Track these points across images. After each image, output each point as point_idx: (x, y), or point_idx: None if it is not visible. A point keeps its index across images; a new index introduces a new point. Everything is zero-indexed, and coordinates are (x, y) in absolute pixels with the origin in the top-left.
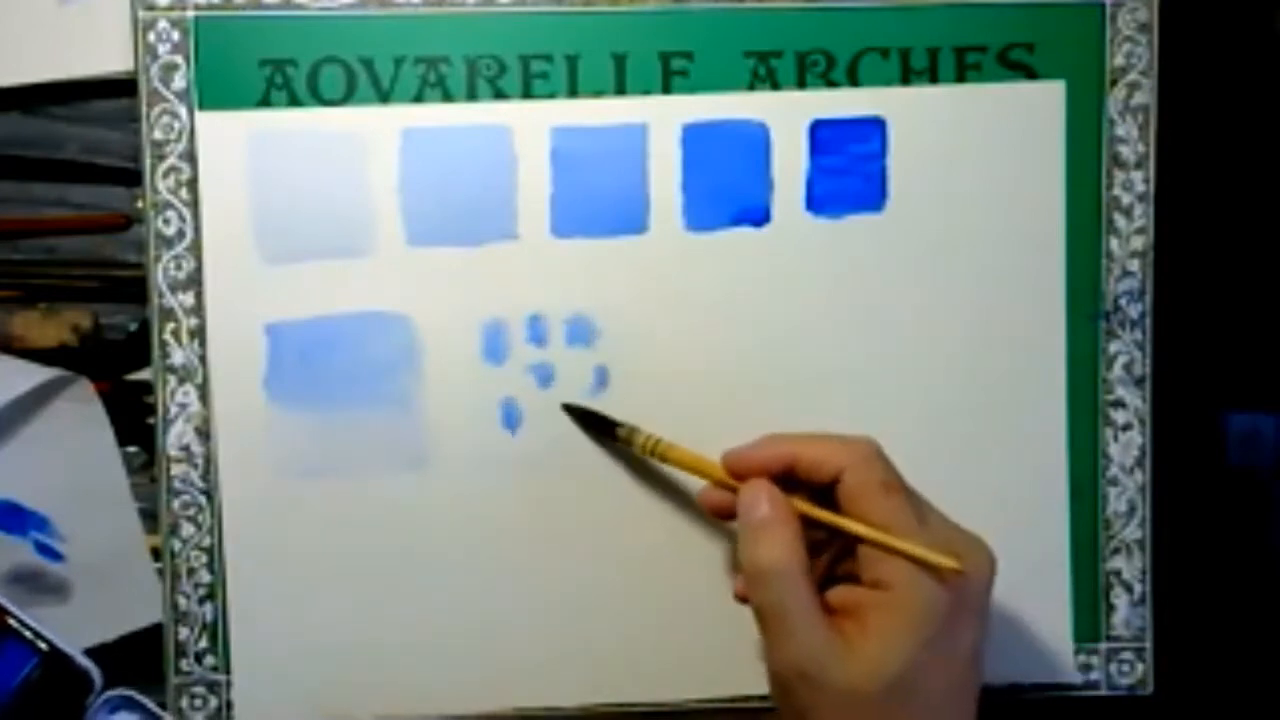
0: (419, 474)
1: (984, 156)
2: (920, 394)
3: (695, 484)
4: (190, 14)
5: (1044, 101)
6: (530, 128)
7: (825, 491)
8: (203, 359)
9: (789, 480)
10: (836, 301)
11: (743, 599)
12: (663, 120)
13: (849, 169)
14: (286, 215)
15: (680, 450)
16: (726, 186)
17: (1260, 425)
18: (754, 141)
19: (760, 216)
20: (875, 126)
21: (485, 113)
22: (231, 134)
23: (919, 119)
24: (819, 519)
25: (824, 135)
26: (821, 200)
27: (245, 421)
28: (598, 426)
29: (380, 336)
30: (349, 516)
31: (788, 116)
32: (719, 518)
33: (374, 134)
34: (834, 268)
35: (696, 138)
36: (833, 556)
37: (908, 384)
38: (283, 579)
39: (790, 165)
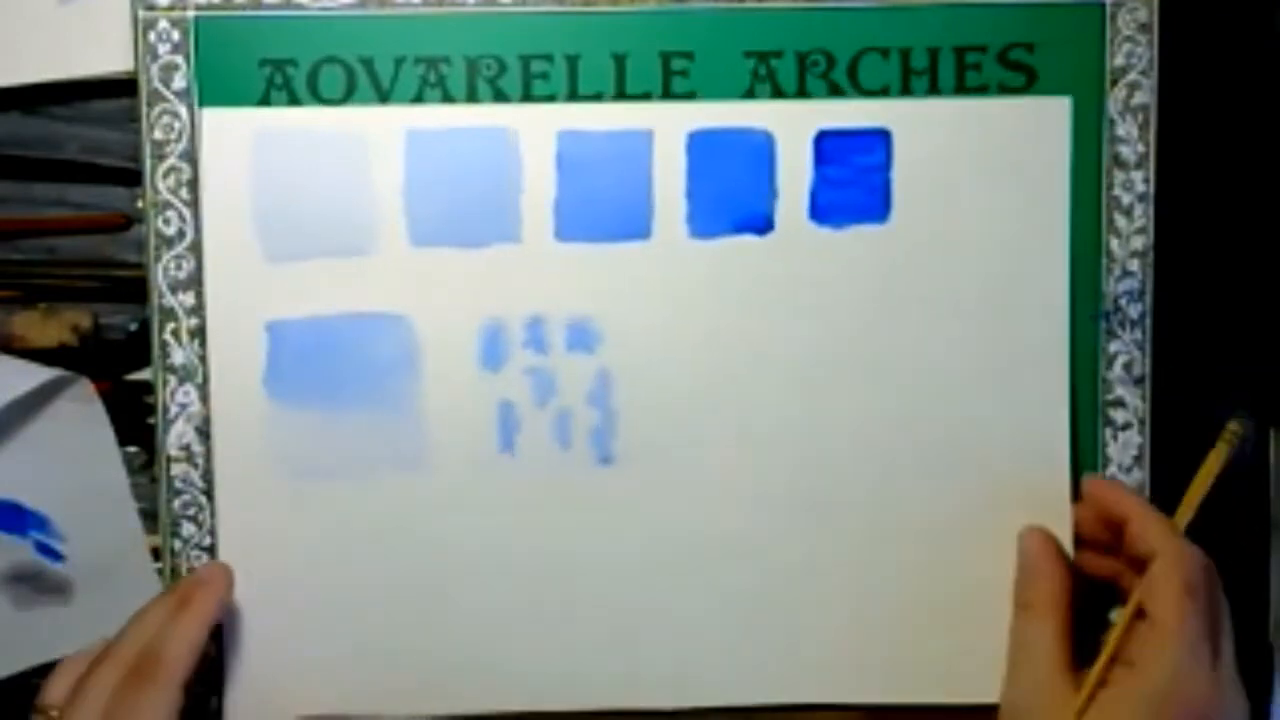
0: (418, 474)
1: (988, 170)
2: (922, 403)
3: (695, 485)
4: (190, 14)
5: (1050, 117)
6: (536, 131)
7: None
8: (203, 358)
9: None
10: (838, 311)
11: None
12: (668, 127)
13: (853, 180)
14: (287, 214)
15: None
16: (730, 194)
17: (1260, 426)
18: (759, 150)
19: (763, 225)
20: (880, 138)
21: (491, 115)
22: (234, 131)
23: (924, 131)
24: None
25: (829, 146)
26: (825, 210)
27: (245, 421)
28: None
29: (380, 337)
30: (348, 516)
31: (793, 126)
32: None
33: (378, 134)
34: (836, 277)
35: (702, 145)
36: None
37: (909, 394)
38: (282, 579)
39: (794, 175)
